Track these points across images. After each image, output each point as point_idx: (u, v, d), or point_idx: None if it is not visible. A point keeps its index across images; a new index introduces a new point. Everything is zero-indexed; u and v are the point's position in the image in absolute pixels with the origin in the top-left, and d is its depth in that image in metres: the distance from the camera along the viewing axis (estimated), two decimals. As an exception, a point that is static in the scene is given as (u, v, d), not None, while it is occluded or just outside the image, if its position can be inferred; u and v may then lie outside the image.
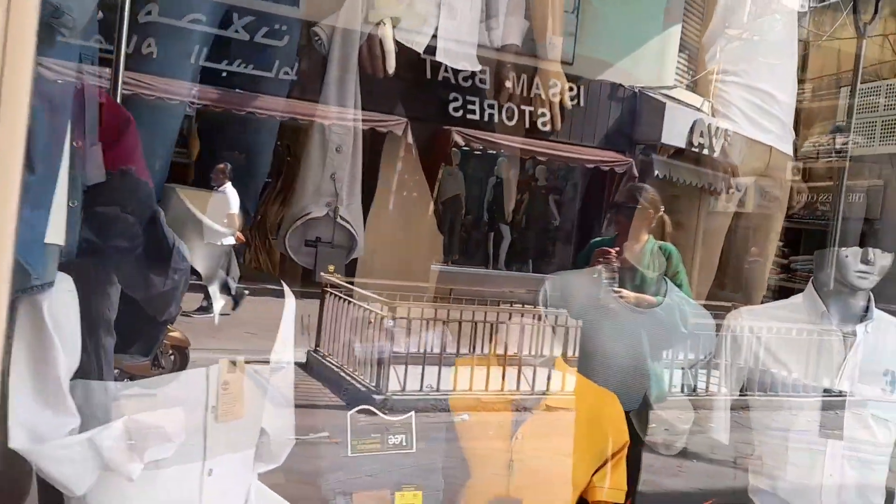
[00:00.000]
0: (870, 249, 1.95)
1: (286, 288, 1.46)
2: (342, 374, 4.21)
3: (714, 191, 4.59)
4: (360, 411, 1.56)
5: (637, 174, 5.51)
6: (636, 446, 1.93)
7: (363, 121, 3.22)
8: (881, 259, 1.96)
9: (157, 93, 2.55)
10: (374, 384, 3.98)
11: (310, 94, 3.07)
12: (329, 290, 4.35)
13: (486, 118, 4.79)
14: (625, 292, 2.06)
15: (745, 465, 2.11)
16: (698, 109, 5.36)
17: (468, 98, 4.76)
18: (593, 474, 1.77)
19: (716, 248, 3.56)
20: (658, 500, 2.55)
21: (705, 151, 4.77)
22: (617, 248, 2.11)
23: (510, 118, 4.79)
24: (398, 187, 3.91)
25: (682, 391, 2.12)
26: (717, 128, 5.04)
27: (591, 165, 5.90)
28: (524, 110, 4.65)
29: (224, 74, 2.72)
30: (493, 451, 1.69)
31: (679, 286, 2.58)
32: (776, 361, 2.05)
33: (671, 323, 2.08)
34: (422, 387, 3.92)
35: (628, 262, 2.04)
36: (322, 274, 3.82)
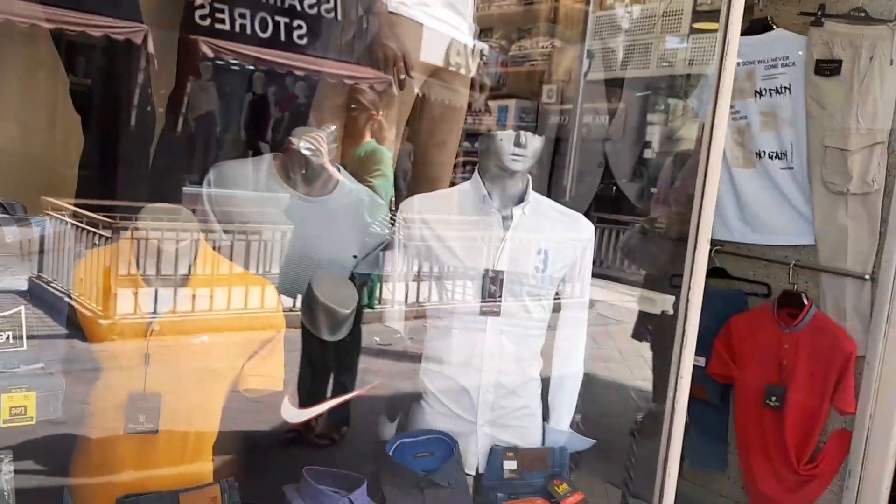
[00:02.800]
0: (522, 133, 2.05)
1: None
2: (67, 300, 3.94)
3: (472, 110, 4.69)
4: None
5: (396, 93, 5.55)
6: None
7: (95, 25, 2.89)
8: (533, 142, 2.07)
9: None
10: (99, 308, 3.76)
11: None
12: (50, 213, 4.01)
13: (237, 28, 4.50)
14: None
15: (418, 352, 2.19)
16: (456, 28, 5.44)
17: (216, 6, 4.44)
18: (245, 363, 1.75)
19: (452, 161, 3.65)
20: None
21: (462, 71, 4.84)
22: (313, 136, 2.05)
23: (264, 29, 4.55)
24: (140, 101, 3.59)
25: (354, 279, 2.13)
26: (474, 47, 5.10)
27: (351, 82, 5.83)
28: (279, 21, 4.43)
29: None
30: (125, 346, 1.61)
31: (372, 186, 2.61)
32: (444, 246, 2.12)
33: (343, 212, 2.08)
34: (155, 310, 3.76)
35: (294, 151, 2.00)
36: (43, 197, 3.50)
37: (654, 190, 3.65)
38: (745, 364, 3.03)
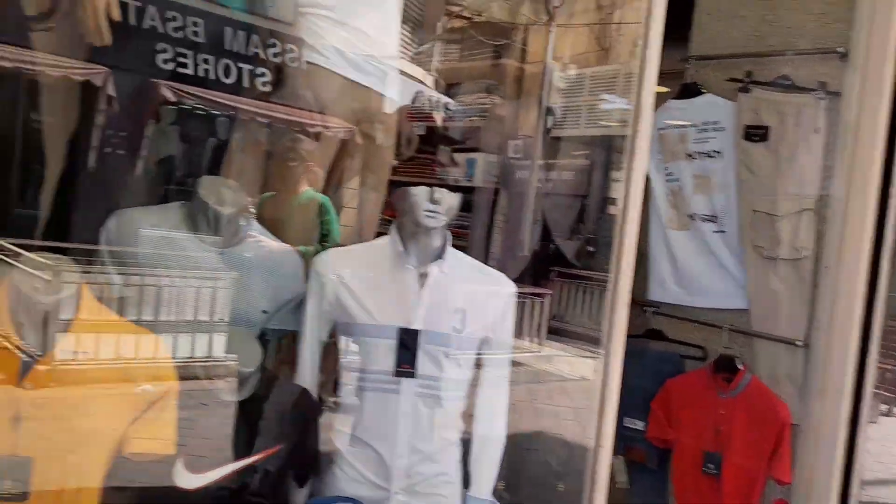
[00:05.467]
0: (436, 189, 2.01)
1: None
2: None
3: (382, 159, 4.73)
4: None
5: (360, 141, 5.58)
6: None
7: (56, 66, 2.84)
8: (448, 198, 2.03)
9: None
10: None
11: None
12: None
13: (200, 73, 4.47)
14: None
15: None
16: (421, 82, 5.50)
17: (179, 50, 4.41)
18: (130, 424, 1.65)
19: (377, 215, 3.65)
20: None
21: (370, 116, 4.89)
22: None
23: (227, 75, 4.53)
24: (100, 144, 3.53)
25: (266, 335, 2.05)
26: (438, 100, 5.15)
27: (314, 130, 5.84)
28: (241, 68, 4.43)
29: None
30: (-6, 405, 1.51)
31: (326, 234, 2.57)
32: (357, 303, 2.05)
33: (252, 264, 2.01)
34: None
35: (200, 200, 1.94)
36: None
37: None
38: (683, 428, 2.97)
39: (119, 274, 1.82)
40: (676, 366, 3.06)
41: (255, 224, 2.05)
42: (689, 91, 2.95)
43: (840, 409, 2.62)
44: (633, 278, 2.04)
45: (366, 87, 2.59)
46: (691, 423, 2.95)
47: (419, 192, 2.01)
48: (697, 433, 2.92)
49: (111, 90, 3.62)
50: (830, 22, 2.66)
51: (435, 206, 2.01)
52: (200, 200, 1.93)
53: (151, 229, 1.92)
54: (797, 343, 2.72)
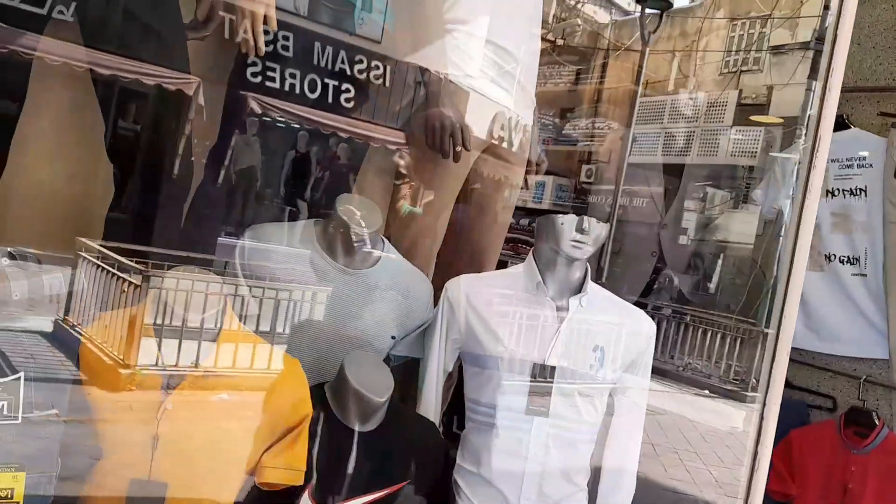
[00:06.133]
0: (585, 218, 1.88)
1: None
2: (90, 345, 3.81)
3: (511, 184, 4.60)
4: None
5: (447, 148, 5.50)
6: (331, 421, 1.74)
7: (149, 75, 2.84)
8: (596, 228, 1.90)
9: None
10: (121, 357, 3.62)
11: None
12: (83, 253, 3.93)
13: (286, 87, 4.46)
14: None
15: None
16: (505, 98, 5.41)
17: (268, 64, 4.42)
18: (264, 452, 1.56)
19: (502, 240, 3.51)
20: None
21: (504, 145, 4.79)
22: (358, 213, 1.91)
23: (312, 90, 4.52)
24: (184, 152, 3.55)
25: (390, 361, 1.94)
26: (517, 122, 5.03)
27: (394, 147, 5.79)
28: (328, 84, 4.41)
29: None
30: (132, 426, 1.43)
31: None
32: (489, 333, 1.94)
33: (384, 288, 1.91)
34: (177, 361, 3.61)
35: (336, 218, 1.85)
36: (78, 238, 3.43)
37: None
38: (806, 483, 2.76)
39: (254, 287, 1.74)
40: (801, 416, 2.85)
41: (389, 245, 1.95)
42: (835, 124, 2.75)
43: None
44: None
45: (504, 106, 2.47)
46: (816, 479, 2.74)
47: (566, 220, 1.88)
48: (823, 490, 2.72)
49: (201, 100, 3.61)
50: None
51: (583, 235, 1.88)
52: (338, 219, 1.84)
53: (286, 247, 1.84)
54: (945, 401, 2.50)
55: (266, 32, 3.35)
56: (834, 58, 1.73)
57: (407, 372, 2.09)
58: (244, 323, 1.66)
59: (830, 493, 2.68)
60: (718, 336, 8.05)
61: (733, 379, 7.90)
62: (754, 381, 7.69)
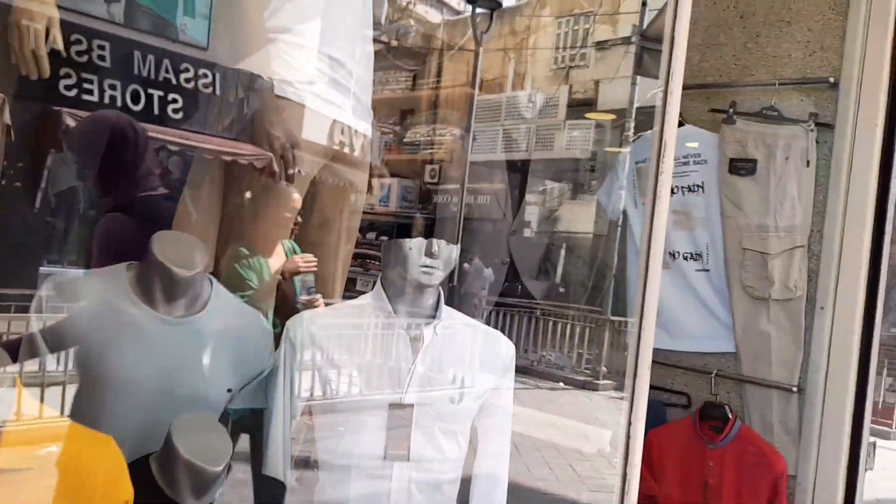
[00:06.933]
0: (434, 241, 1.73)
1: None
2: None
3: (356, 189, 4.43)
4: None
5: (276, 170, 5.24)
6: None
7: None
8: (445, 250, 1.75)
9: None
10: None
11: None
12: None
13: (106, 100, 4.06)
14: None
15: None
16: (340, 108, 5.23)
17: (84, 76, 4.01)
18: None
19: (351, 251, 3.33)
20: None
21: (346, 150, 4.60)
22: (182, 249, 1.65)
23: (136, 101, 4.14)
24: None
25: (229, 416, 1.71)
26: (356, 129, 4.86)
27: (229, 158, 5.46)
28: (152, 94, 4.05)
29: None
30: None
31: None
32: (339, 373, 1.75)
33: (214, 335, 1.66)
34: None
35: (153, 261, 1.58)
36: None
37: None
38: (668, 482, 2.76)
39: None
40: (658, 415, 2.85)
41: (217, 285, 1.70)
42: (670, 122, 2.77)
43: (839, 458, 2.48)
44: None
45: (341, 122, 2.28)
46: (677, 477, 2.74)
47: (414, 245, 1.72)
48: (684, 488, 2.72)
49: (7, 118, 3.19)
50: (816, 50, 2.54)
51: (433, 259, 1.72)
52: (155, 261, 1.58)
53: (94, 298, 1.55)
54: (791, 388, 2.57)
55: (78, 42, 2.98)
56: (673, 63, 1.68)
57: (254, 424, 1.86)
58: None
59: (691, 491, 2.70)
60: (568, 327, 8.31)
61: (585, 368, 8.16)
62: (604, 369, 7.99)
